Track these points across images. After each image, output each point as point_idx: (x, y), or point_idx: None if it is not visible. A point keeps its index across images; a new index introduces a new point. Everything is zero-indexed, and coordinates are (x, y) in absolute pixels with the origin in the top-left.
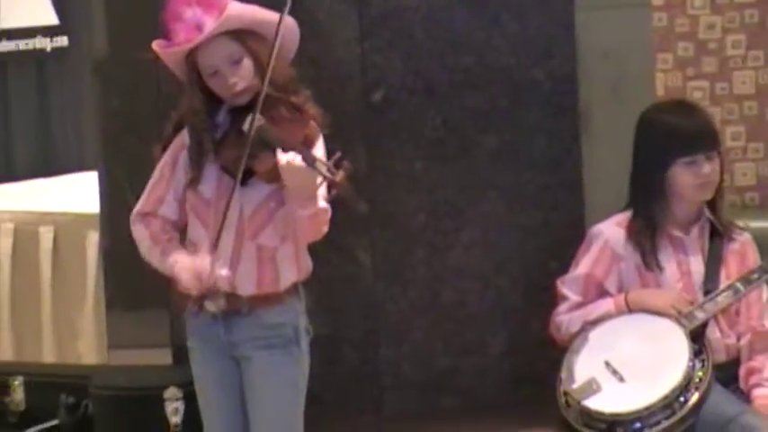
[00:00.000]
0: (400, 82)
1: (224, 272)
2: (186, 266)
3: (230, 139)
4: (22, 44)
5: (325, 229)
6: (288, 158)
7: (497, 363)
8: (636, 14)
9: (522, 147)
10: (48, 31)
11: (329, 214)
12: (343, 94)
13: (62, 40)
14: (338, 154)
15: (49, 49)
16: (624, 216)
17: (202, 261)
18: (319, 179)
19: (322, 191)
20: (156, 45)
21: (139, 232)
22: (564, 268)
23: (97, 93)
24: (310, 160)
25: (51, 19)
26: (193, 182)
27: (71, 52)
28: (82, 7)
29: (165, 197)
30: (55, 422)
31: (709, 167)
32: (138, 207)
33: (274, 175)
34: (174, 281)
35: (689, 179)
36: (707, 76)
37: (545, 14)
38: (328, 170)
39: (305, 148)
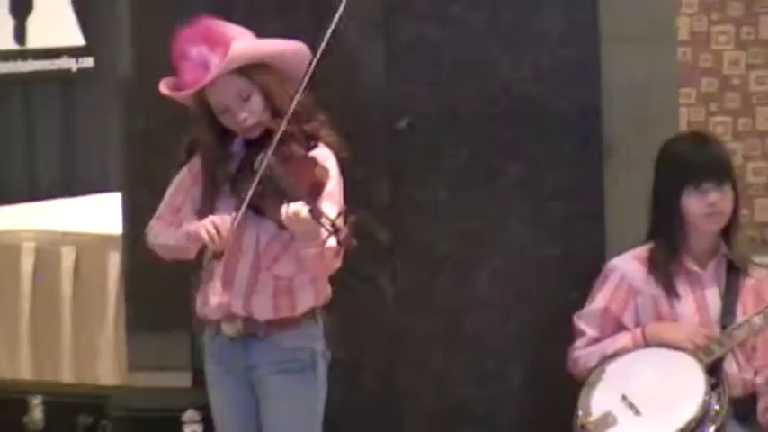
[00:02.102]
0: (425, 110)
1: (240, 301)
2: (204, 222)
3: (244, 174)
4: (48, 64)
5: (337, 264)
6: (294, 210)
7: (516, 393)
8: (661, 48)
9: (546, 178)
10: (74, 52)
11: (337, 250)
12: (367, 122)
13: (88, 62)
14: (344, 208)
15: (74, 69)
16: (642, 250)
17: (221, 217)
18: (324, 234)
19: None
20: (164, 86)
21: (154, 227)
22: (584, 300)
23: (122, 114)
24: (317, 215)
25: (77, 40)
26: (202, 214)
27: (96, 73)
28: (108, 28)
29: (183, 208)
30: None
31: (716, 196)
32: (156, 215)
33: (283, 223)
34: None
35: (697, 207)
36: (730, 112)
37: (571, 46)
38: (332, 226)
39: (312, 199)
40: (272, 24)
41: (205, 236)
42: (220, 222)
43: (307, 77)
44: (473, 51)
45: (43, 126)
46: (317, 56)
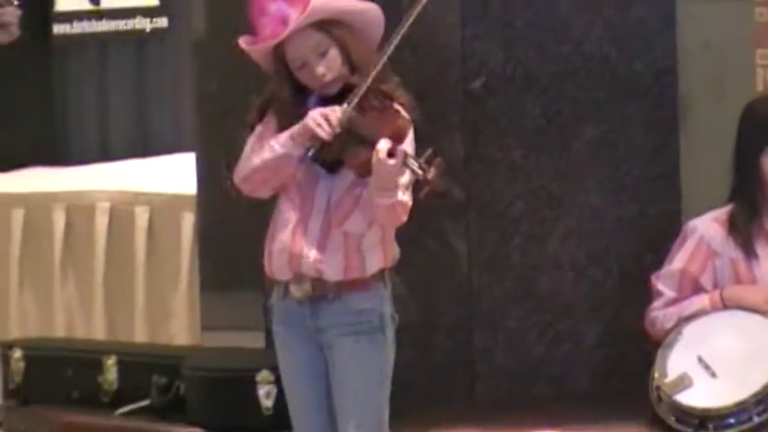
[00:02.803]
0: (500, 70)
1: (312, 255)
2: (307, 116)
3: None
4: (122, 24)
5: (404, 218)
6: (381, 153)
7: (590, 353)
8: (738, 8)
9: (621, 138)
10: (148, 12)
11: (408, 206)
12: (442, 81)
13: (162, 21)
14: (430, 150)
15: (148, 29)
16: (721, 212)
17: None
18: (409, 176)
19: (404, 180)
20: (243, 41)
21: (243, 164)
22: (659, 261)
23: (195, 75)
24: (401, 156)
25: (152, 0)
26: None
27: (170, 33)
28: None
29: None
30: (147, 402)
31: None
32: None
33: (365, 169)
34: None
35: None
36: None
37: (646, 6)
38: (420, 167)
39: (396, 143)
40: None
41: (313, 124)
42: (329, 111)
43: (397, 39)
44: (547, 10)
45: (117, 86)
46: (410, 19)
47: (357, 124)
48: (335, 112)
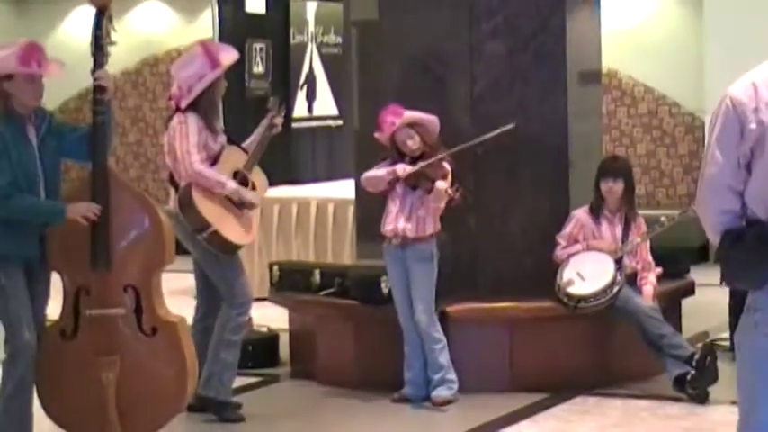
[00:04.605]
0: None
1: (402, 224)
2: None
3: (413, 174)
4: (322, 122)
5: (441, 209)
6: (440, 186)
7: (533, 265)
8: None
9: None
10: (333, 117)
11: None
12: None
13: (339, 121)
14: (456, 185)
15: (333, 125)
16: (586, 207)
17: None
18: (446, 196)
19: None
20: (377, 134)
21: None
22: (559, 230)
23: (355, 150)
24: (445, 190)
25: (333, 110)
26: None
27: (343, 128)
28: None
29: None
30: (332, 290)
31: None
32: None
33: (428, 192)
34: None
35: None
36: None
37: None
38: (451, 194)
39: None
40: None
41: (398, 169)
42: (401, 167)
43: (489, 136)
44: None
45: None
46: (500, 131)
47: (428, 172)
48: (405, 169)
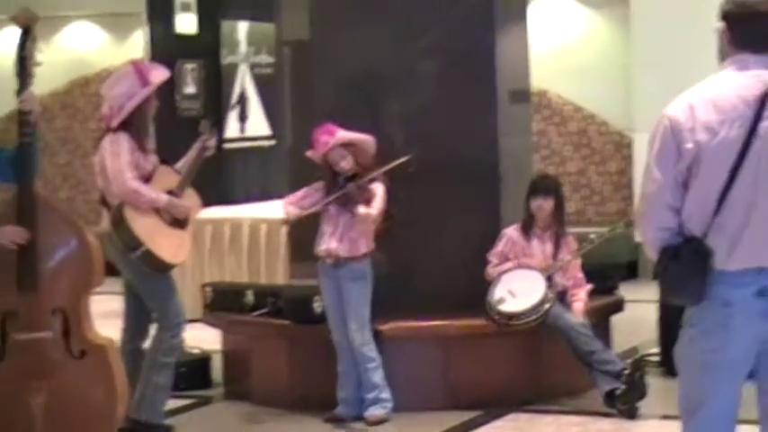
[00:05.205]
0: None
1: (334, 244)
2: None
3: (342, 195)
4: (255, 143)
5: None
6: (362, 212)
7: (467, 282)
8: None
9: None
10: (266, 138)
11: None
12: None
13: (271, 142)
14: (384, 209)
15: (266, 146)
16: (517, 225)
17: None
18: (369, 221)
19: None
20: (309, 153)
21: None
22: (491, 248)
23: (291, 172)
24: (365, 214)
25: (267, 130)
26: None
27: (276, 147)
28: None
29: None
30: (265, 310)
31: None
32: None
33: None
34: None
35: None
36: None
37: None
38: (374, 216)
39: (367, 205)
40: None
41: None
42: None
43: (386, 168)
44: None
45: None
46: (394, 165)
47: (355, 193)
48: (289, 213)
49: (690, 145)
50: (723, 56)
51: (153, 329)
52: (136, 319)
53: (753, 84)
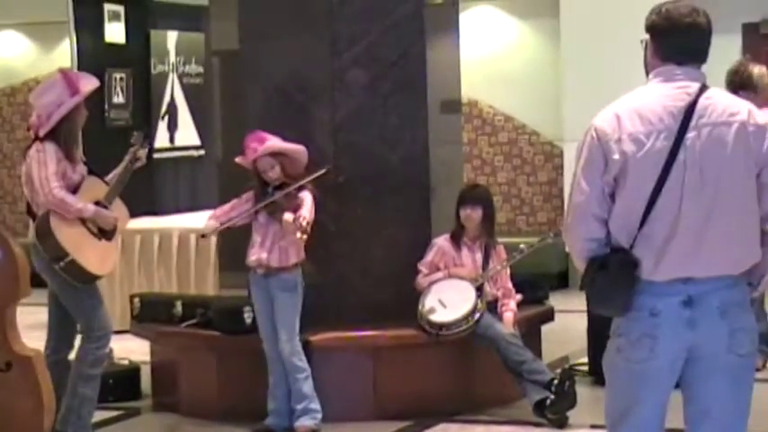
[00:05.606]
0: None
1: (264, 254)
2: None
3: (270, 204)
4: (184, 153)
5: (300, 239)
6: (287, 218)
7: (398, 295)
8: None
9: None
10: (195, 148)
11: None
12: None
13: (201, 151)
14: (309, 217)
15: (196, 155)
16: (447, 235)
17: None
18: (295, 230)
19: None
20: (238, 159)
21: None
22: (421, 258)
23: (220, 184)
24: (298, 221)
25: (196, 140)
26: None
27: (206, 157)
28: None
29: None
30: (195, 321)
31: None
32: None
33: (279, 219)
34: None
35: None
36: None
37: None
38: (301, 226)
39: (295, 213)
40: None
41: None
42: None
43: (306, 180)
44: None
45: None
46: (313, 177)
47: (282, 201)
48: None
49: (617, 156)
50: (649, 67)
51: (78, 340)
52: (58, 330)
53: (678, 95)
